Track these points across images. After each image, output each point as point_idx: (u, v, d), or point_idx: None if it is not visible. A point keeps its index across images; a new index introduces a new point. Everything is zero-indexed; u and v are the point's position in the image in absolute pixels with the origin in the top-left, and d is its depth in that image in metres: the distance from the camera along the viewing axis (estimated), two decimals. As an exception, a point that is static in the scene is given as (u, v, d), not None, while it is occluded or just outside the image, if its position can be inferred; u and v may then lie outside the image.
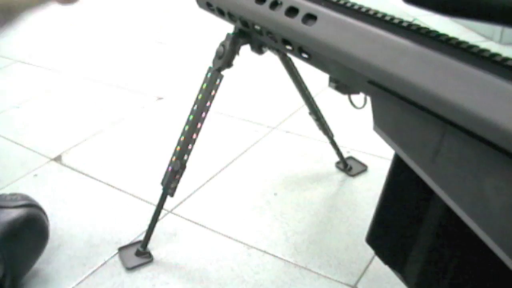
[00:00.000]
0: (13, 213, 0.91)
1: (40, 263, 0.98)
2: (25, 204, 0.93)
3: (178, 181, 0.94)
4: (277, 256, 0.99)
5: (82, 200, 1.16)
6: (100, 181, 1.23)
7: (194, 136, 0.94)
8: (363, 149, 1.31)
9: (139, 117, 1.53)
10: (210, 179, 1.23)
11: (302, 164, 1.27)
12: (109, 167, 1.29)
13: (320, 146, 1.34)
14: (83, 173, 1.26)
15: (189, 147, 0.94)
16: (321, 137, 1.34)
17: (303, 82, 1.08)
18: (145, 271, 0.95)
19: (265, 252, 1.00)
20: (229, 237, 1.04)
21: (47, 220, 0.97)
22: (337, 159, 1.26)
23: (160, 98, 1.63)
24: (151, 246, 1.00)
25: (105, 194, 1.18)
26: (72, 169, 1.28)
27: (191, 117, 0.94)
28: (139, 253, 0.98)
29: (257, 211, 1.11)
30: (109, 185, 1.21)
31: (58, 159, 1.32)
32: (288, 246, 1.01)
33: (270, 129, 1.44)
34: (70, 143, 1.39)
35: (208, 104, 0.92)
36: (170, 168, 0.94)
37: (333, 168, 1.25)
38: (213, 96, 0.92)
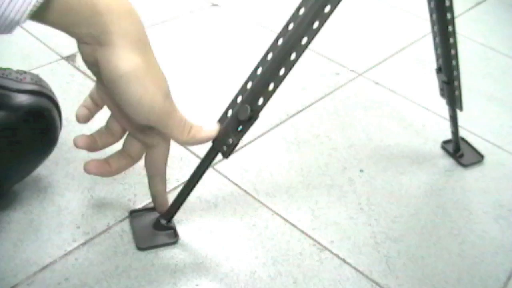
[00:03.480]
0: (14, 100, 0.63)
1: (42, 170, 0.71)
2: (34, 90, 0.65)
3: (241, 136, 0.60)
4: (361, 272, 0.67)
5: (95, 117, 0.83)
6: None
7: (282, 72, 0.59)
8: (478, 132, 0.97)
9: (186, 23, 1.17)
10: (272, 128, 0.89)
11: (397, 133, 0.93)
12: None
13: (421, 113, 0.99)
14: (103, 83, 0.92)
15: (270, 87, 0.59)
16: (424, 101, 1.00)
17: (451, 24, 0.72)
18: (164, 257, 0.64)
19: (343, 261, 0.69)
20: (294, 226, 0.72)
21: (60, 118, 0.68)
22: (445, 137, 0.92)
23: (214, 5, 1.26)
24: (178, 218, 0.68)
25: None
26: (87, 75, 0.94)
27: (281, 41, 0.59)
28: (159, 227, 0.67)
29: (336, 192, 0.79)
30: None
31: (71, 58, 0.98)
32: (378, 258, 0.70)
33: (355, 74, 1.08)
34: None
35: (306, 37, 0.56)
36: (231, 113, 0.61)
37: (439, 149, 0.91)
38: (316, 30, 0.56)
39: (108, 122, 0.55)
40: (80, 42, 0.45)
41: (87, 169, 0.55)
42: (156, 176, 0.58)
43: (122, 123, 0.55)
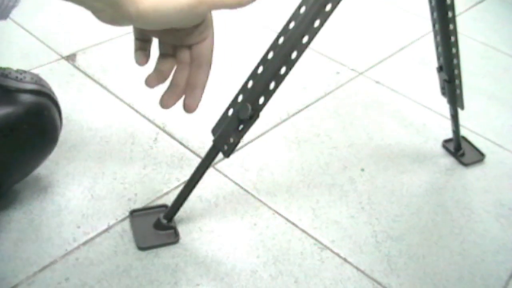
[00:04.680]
0: (14, 99, 0.63)
1: (42, 170, 0.71)
2: (34, 89, 0.64)
3: (242, 135, 0.60)
4: (362, 271, 0.67)
5: (95, 117, 0.84)
6: (121, 100, 0.90)
7: (283, 70, 0.59)
8: (479, 131, 0.97)
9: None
10: (273, 127, 0.89)
11: (397, 132, 0.93)
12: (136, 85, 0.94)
13: (422, 112, 0.99)
14: (100, 84, 0.93)
15: (271, 86, 0.59)
16: (425, 100, 1.00)
17: (452, 23, 0.71)
18: (165, 256, 0.64)
19: (344, 260, 0.68)
20: (295, 225, 0.72)
21: (60, 118, 0.67)
22: (446, 136, 0.92)
23: (214, 1, 1.25)
24: (179, 217, 0.68)
25: (125, 118, 0.85)
26: (86, 74, 0.94)
27: (281, 40, 0.59)
28: (160, 226, 0.66)
29: (337, 192, 0.78)
30: (132, 108, 0.88)
31: (71, 58, 0.98)
32: (379, 257, 0.70)
33: (356, 73, 1.08)
34: (89, 42, 1.04)
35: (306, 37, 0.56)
36: (232, 112, 0.60)
37: (440, 148, 0.91)
38: (317, 29, 0.56)
39: (160, 49, 0.54)
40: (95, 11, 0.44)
41: (149, 84, 0.53)
42: (204, 65, 0.54)
43: (172, 40, 0.53)
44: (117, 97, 0.89)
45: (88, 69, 0.95)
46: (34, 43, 0.99)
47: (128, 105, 0.88)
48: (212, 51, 0.55)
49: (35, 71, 0.90)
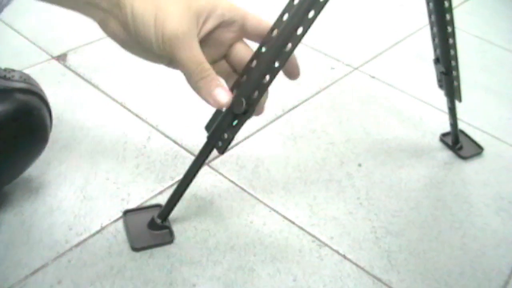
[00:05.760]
0: (2, 98, 0.61)
1: (33, 170, 0.69)
2: (23, 88, 0.63)
3: (236, 131, 0.59)
4: (361, 267, 0.66)
5: (87, 116, 0.82)
6: (113, 99, 0.88)
7: (277, 64, 0.58)
8: (477, 124, 0.96)
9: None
10: (268, 124, 0.88)
11: (394, 127, 0.91)
12: (130, 85, 0.93)
13: (419, 106, 0.98)
14: (92, 83, 0.91)
15: (265, 79, 0.58)
16: (421, 94, 0.99)
17: (449, 13, 0.70)
18: (160, 257, 0.63)
19: (344, 256, 0.67)
20: (292, 223, 0.71)
21: (50, 117, 0.66)
22: (443, 130, 0.91)
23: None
24: (173, 216, 0.67)
25: (118, 117, 0.84)
26: (78, 74, 0.93)
27: (275, 32, 0.57)
28: (154, 226, 0.65)
29: (334, 187, 0.77)
30: (124, 107, 0.87)
31: (61, 58, 0.96)
32: (379, 253, 0.68)
33: (351, 69, 1.07)
34: (80, 42, 1.02)
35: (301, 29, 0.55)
36: (226, 108, 0.59)
37: (437, 142, 0.90)
38: (311, 20, 0.55)
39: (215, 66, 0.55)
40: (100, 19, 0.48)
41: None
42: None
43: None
44: (109, 96, 0.88)
45: (79, 68, 0.93)
46: (24, 43, 0.98)
47: (121, 104, 0.86)
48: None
49: (25, 72, 0.88)
